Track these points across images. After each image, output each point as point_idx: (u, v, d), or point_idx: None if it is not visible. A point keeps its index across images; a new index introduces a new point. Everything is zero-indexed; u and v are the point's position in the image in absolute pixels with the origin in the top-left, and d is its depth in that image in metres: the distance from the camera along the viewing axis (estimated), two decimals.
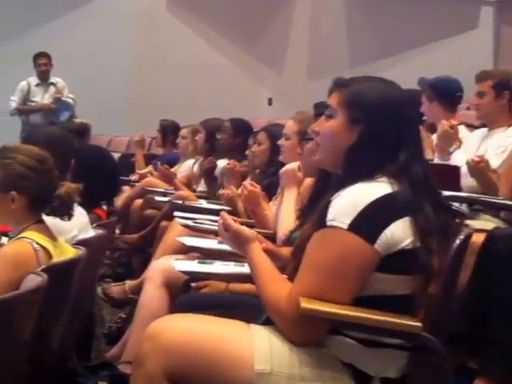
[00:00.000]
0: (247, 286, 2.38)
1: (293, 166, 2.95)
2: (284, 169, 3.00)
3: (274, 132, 3.98)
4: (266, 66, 9.29)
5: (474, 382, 2.53)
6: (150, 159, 6.62)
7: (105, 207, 3.95)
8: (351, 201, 1.73)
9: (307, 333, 1.75)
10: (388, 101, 1.84)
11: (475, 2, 9.91)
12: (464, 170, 3.61)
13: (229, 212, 3.58)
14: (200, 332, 1.79)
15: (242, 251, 1.96)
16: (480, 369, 2.54)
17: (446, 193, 2.88)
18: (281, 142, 3.40)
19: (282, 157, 3.35)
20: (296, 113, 3.58)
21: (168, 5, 9.11)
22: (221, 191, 4.08)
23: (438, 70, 4.78)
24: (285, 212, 2.81)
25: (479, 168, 3.43)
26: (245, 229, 1.98)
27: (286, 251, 2.10)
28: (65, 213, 2.41)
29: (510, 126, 3.79)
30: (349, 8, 9.48)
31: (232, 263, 2.32)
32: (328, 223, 1.73)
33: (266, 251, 1.96)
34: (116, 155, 6.53)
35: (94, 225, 3.02)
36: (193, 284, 2.68)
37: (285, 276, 1.88)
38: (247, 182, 3.32)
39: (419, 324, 1.70)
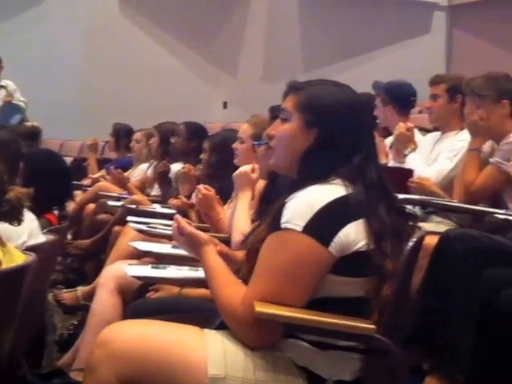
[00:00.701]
0: (201, 291, 2.36)
1: (246, 168, 2.94)
2: (237, 172, 2.98)
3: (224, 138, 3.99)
4: (221, 69, 9.28)
5: (425, 380, 2.55)
6: (103, 163, 6.55)
7: (56, 212, 3.89)
8: (306, 203, 1.73)
9: (262, 336, 1.74)
10: (342, 104, 1.85)
11: (428, 7, 10.06)
12: (418, 173, 3.65)
13: (182, 216, 3.57)
14: (153, 337, 1.77)
15: (196, 255, 1.95)
16: (431, 368, 2.56)
17: (401, 196, 2.91)
18: (235, 145, 3.38)
19: (237, 160, 3.33)
20: (251, 116, 3.57)
21: (121, 7, 9.03)
22: (170, 201, 4.06)
23: (392, 74, 4.83)
24: (239, 215, 2.79)
25: (424, 186, 3.48)
26: (199, 232, 1.97)
27: (241, 254, 2.09)
28: (14, 218, 2.35)
29: (461, 129, 3.83)
30: (303, 11, 9.52)
31: (186, 268, 2.29)
32: (282, 225, 1.73)
33: (221, 254, 1.94)
34: (68, 159, 6.43)
35: (45, 230, 2.97)
36: (150, 288, 2.65)
37: (239, 279, 1.87)
38: (201, 186, 3.30)
39: (373, 326, 1.70)
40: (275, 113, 2.67)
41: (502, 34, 9.50)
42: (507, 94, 3.30)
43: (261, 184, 2.90)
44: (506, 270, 2.42)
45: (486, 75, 3.37)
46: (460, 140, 3.76)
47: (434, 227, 3.34)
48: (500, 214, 2.66)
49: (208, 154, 4.05)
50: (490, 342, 2.21)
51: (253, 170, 2.91)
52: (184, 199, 4.02)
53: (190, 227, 1.97)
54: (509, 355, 2.15)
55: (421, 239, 1.91)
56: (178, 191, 4.65)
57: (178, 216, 2.03)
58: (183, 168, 4.57)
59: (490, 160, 3.25)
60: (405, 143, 3.92)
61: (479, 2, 9.62)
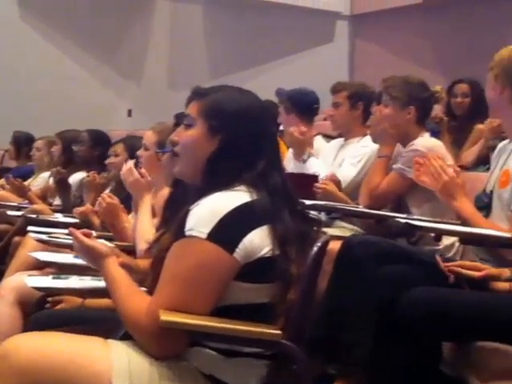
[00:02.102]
0: (105, 301, 2.31)
1: (134, 176, 2.89)
2: (127, 182, 2.92)
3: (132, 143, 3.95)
4: (125, 76, 9.16)
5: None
6: (2, 172, 6.34)
7: None
8: (210, 210, 1.73)
9: (167, 346, 1.72)
10: (246, 110, 1.86)
11: (331, 16, 10.23)
12: (322, 178, 3.69)
13: (84, 225, 3.50)
14: (54, 349, 1.72)
15: (97, 267, 1.91)
16: (338, 373, 2.59)
17: (307, 201, 2.95)
18: (140, 152, 3.35)
19: (141, 168, 3.29)
20: (156, 123, 3.54)
21: (21, 13, 8.79)
22: (75, 210, 3.98)
23: (297, 82, 4.87)
24: (142, 223, 2.76)
25: (327, 191, 3.53)
26: (99, 244, 1.93)
27: (145, 263, 2.05)
28: None
29: (364, 135, 3.91)
30: (208, 19, 9.53)
31: (88, 278, 2.25)
32: (187, 233, 1.72)
33: (123, 265, 1.91)
34: None
35: None
36: (49, 299, 2.58)
37: (144, 289, 1.85)
38: (105, 194, 3.25)
39: (279, 332, 1.70)
40: (181, 120, 2.65)
41: (402, 43, 9.77)
42: (416, 101, 3.38)
43: (165, 192, 2.87)
44: (406, 273, 2.48)
45: (403, 77, 3.44)
46: (363, 146, 3.83)
47: (339, 232, 3.39)
48: (401, 218, 2.71)
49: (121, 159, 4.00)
50: (390, 343, 2.26)
51: (142, 176, 2.88)
52: (88, 205, 3.95)
53: (88, 240, 1.93)
54: (410, 355, 2.20)
55: (325, 244, 1.92)
56: (81, 199, 4.56)
57: (72, 230, 1.99)
58: (88, 176, 4.50)
59: (393, 166, 3.33)
60: (300, 147, 3.96)
61: (380, 12, 9.87)
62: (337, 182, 3.59)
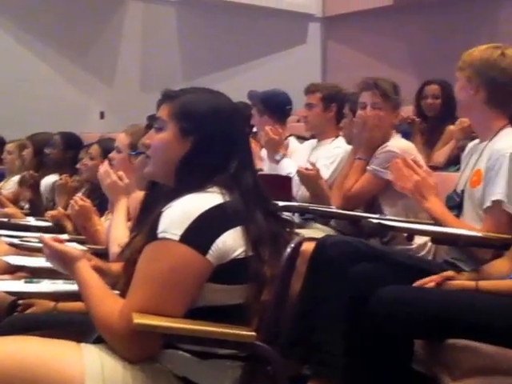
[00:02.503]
0: (77, 304, 2.29)
1: (111, 178, 2.88)
2: (104, 184, 2.91)
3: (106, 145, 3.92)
4: (97, 78, 9.10)
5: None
6: None
7: None
8: (182, 212, 1.72)
9: (141, 349, 1.71)
10: (217, 111, 1.85)
11: (303, 18, 10.27)
12: (296, 179, 3.70)
13: (57, 228, 3.47)
14: (26, 354, 1.70)
15: (69, 271, 1.90)
16: (312, 373, 2.60)
17: (281, 203, 2.96)
18: (112, 155, 3.33)
19: (114, 170, 3.27)
20: (129, 125, 3.52)
21: None
22: (47, 213, 3.95)
23: (270, 84, 4.88)
24: (116, 226, 2.74)
25: (310, 176, 3.53)
26: (70, 248, 1.92)
27: (117, 267, 2.04)
28: None
29: (337, 137, 3.92)
30: (181, 20, 9.51)
31: (61, 281, 2.22)
32: (159, 235, 1.71)
33: (95, 268, 1.90)
34: None
35: None
36: (20, 302, 2.56)
37: (117, 292, 1.83)
38: (77, 197, 3.23)
39: (253, 333, 1.70)
40: (152, 122, 2.64)
41: (374, 45, 9.83)
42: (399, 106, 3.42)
43: (138, 194, 2.86)
44: (377, 272, 2.49)
45: (390, 81, 3.46)
46: (336, 147, 3.84)
47: (313, 233, 3.39)
48: (374, 218, 2.73)
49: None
50: (363, 343, 2.27)
51: (120, 178, 2.87)
52: (61, 209, 3.92)
53: (58, 245, 1.92)
54: (382, 353, 2.20)
55: (299, 245, 1.93)
56: (53, 203, 4.53)
57: (42, 236, 1.98)
58: (60, 179, 4.47)
59: (368, 168, 3.35)
60: (274, 147, 3.97)
61: (352, 14, 9.92)
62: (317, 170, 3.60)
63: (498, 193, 2.51)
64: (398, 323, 2.14)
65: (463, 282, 2.25)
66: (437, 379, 2.14)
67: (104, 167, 2.93)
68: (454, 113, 4.43)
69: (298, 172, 3.58)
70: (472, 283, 2.21)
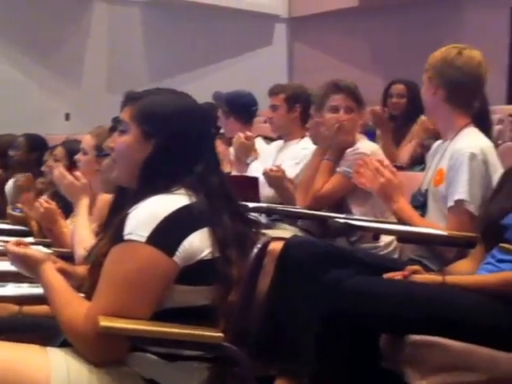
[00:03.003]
0: (43, 308, 2.27)
1: (67, 179, 2.86)
2: (61, 186, 2.89)
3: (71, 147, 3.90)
4: (63, 80, 9.04)
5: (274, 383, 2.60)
6: None
7: None
8: (149, 214, 1.72)
9: (107, 352, 1.70)
10: (181, 113, 1.84)
11: (269, 19, 10.28)
12: (262, 180, 3.71)
13: (22, 231, 3.44)
14: None
15: (34, 274, 1.88)
16: (279, 372, 2.61)
17: (250, 204, 2.97)
18: (78, 156, 3.31)
19: (80, 172, 3.25)
20: (94, 127, 3.51)
21: None
22: (10, 212, 3.91)
23: (236, 85, 4.88)
24: (80, 228, 2.73)
25: (276, 177, 3.54)
26: (35, 251, 1.90)
27: (83, 269, 2.03)
28: None
29: (303, 137, 3.93)
30: (146, 22, 9.47)
31: (26, 285, 2.21)
32: (125, 237, 1.70)
33: (61, 271, 1.88)
34: None
35: None
36: None
37: (82, 294, 1.82)
38: (42, 199, 3.20)
39: (220, 334, 1.70)
40: (116, 124, 2.63)
41: (340, 46, 9.89)
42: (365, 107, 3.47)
43: (105, 197, 2.85)
44: (342, 272, 2.51)
45: (353, 83, 3.46)
46: (302, 148, 3.85)
47: (280, 234, 3.40)
48: (341, 218, 2.74)
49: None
50: (330, 340, 2.27)
51: (77, 178, 2.85)
52: (26, 209, 3.87)
53: (21, 249, 1.90)
54: (350, 351, 2.21)
55: (265, 245, 1.93)
56: (15, 205, 4.48)
57: (4, 244, 1.96)
58: (16, 181, 4.43)
59: (338, 169, 3.36)
60: (246, 152, 3.98)
61: (318, 15, 9.96)
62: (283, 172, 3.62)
63: (459, 192, 2.54)
64: (362, 316, 2.15)
65: (430, 276, 2.26)
66: (403, 376, 2.14)
67: (58, 169, 2.90)
68: (419, 112, 4.46)
69: (264, 173, 3.58)
70: (438, 277, 2.23)
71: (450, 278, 2.21)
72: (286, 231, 3.52)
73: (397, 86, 5.09)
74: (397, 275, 2.25)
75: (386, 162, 2.85)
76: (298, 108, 3.95)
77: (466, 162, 2.54)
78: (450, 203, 2.57)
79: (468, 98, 2.68)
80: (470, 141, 2.63)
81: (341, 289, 2.21)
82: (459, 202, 2.54)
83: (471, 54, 2.71)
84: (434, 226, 2.60)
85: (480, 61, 2.67)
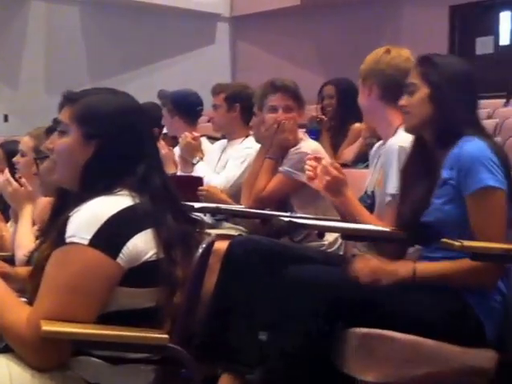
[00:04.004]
0: None
1: (12, 186, 2.81)
2: (5, 193, 2.83)
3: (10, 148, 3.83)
4: (1, 81, 8.87)
5: (219, 381, 2.60)
6: None
7: None
8: (91, 216, 1.70)
9: (50, 357, 1.68)
10: (121, 113, 1.82)
11: (211, 17, 10.26)
12: (207, 180, 3.70)
13: None
14: None
15: None
16: (224, 369, 2.61)
17: (196, 204, 2.95)
18: (16, 158, 3.25)
19: (19, 174, 3.19)
20: (34, 129, 3.45)
21: None
22: None
23: (180, 84, 4.86)
24: (21, 231, 2.69)
25: (211, 193, 3.55)
26: None
27: (24, 271, 1.99)
28: None
29: (247, 136, 3.93)
30: (85, 21, 9.35)
31: None
32: (67, 240, 1.68)
33: (1, 274, 1.86)
34: None
35: None
36: None
37: (24, 299, 1.79)
38: None
39: (165, 336, 1.69)
40: (55, 125, 2.59)
41: (283, 44, 9.94)
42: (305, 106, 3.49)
43: (44, 200, 2.81)
44: (285, 269, 2.52)
45: (293, 81, 3.46)
46: (246, 147, 3.85)
47: (225, 233, 3.40)
48: (285, 217, 2.75)
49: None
50: (278, 340, 2.27)
51: (22, 185, 2.81)
52: None
53: None
54: (298, 347, 2.20)
55: (210, 245, 1.92)
56: None
57: None
58: None
59: (280, 169, 3.37)
60: (192, 152, 3.97)
61: (260, 14, 9.99)
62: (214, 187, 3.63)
63: (391, 187, 2.57)
64: (309, 305, 2.14)
65: (398, 269, 2.23)
66: (348, 370, 2.14)
67: (4, 176, 2.85)
68: (353, 111, 4.50)
69: (200, 190, 3.58)
70: (408, 271, 2.21)
71: (421, 268, 2.19)
72: (231, 231, 3.52)
73: (327, 88, 5.16)
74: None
75: (331, 160, 2.86)
76: (238, 107, 3.94)
77: (395, 156, 2.57)
78: (387, 199, 2.60)
79: (400, 92, 2.71)
80: (402, 135, 2.66)
81: (287, 276, 2.22)
82: (394, 196, 2.57)
83: (399, 51, 2.77)
84: (378, 221, 2.63)
85: (408, 57, 2.72)
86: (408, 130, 2.40)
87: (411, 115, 2.35)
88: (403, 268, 2.23)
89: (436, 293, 2.19)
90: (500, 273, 2.18)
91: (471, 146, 2.18)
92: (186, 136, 3.98)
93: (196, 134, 4.02)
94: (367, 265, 2.24)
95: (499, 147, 2.27)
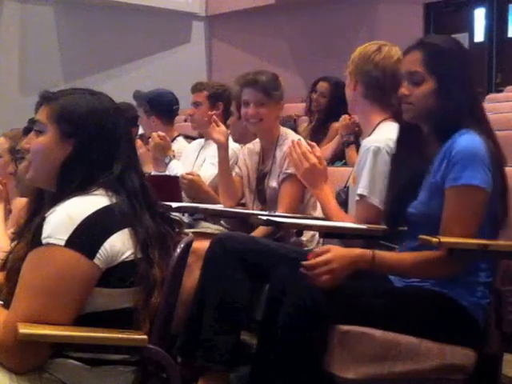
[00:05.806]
0: None
1: None
2: None
3: None
4: None
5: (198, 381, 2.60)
6: None
7: None
8: (67, 216, 1.68)
9: (28, 359, 1.66)
10: (98, 112, 1.81)
11: (186, 16, 10.23)
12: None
13: None
14: None
15: None
16: (202, 371, 2.60)
17: (174, 204, 2.94)
18: None
19: None
20: (10, 130, 3.42)
21: None
22: None
23: (155, 83, 4.84)
24: None
25: (193, 180, 3.53)
26: None
27: (0, 275, 1.97)
28: None
29: None
30: (59, 21, 9.27)
31: None
32: (44, 241, 1.67)
33: None
34: None
35: None
36: None
37: (1, 302, 1.78)
38: None
39: (144, 336, 1.68)
40: (31, 125, 2.57)
41: (258, 43, 9.93)
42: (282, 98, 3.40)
43: (22, 201, 2.78)
44: (266, 268, 2.52)
45: (270, 73, 3.42)
46: None
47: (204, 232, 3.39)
48: (263, 215, 2.75)
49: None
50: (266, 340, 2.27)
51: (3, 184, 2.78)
52: None
53: None
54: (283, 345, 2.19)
55: (189, 244, 1.91)
56: None
57: None
58: None
59: (286, 172, 3.36)
60: (162, 152, 3.95)
61: (234, 13, 9.98)
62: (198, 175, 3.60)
63: (361, 187, 2.57)
64: (290, 303, 2.14)
65: (353, 250, 2.17)
66: (328, 368, 2.14)
67: None
68: (340, 111, 4.51)
69: (181, 178, 3.56)
70: (366, 253, 2.14)
71: (381, 255, 2.16)
72: (209, 230, 3.51)
73: (321, 84, 5.15)
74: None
75: (315, 149, 2.84)
76: (220, 106, 3.96)
77: (370, 156, 2.57)
78: (356, 198, 2.61)
79: (385, 95, 2.71)
80: (379, 134, 2.67)
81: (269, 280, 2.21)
82: (362, 197, 2.57)
83: (390, 51, 2.74)
84: (348, 216, 2.64)
85: (398, 58, 2.69)
86: (407, 120, 2.30)
87: (414, 107, 2.25)
88: (360, 250, 2.17)
89: (417, 290, 2.20)
90: (465, 265, 2.14)
91: (465, 140, 2.13)
92: (154, 136, 3.98)
93: (162, 134, 3.99)
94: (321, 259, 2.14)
95: (495, 143, 2.20)
